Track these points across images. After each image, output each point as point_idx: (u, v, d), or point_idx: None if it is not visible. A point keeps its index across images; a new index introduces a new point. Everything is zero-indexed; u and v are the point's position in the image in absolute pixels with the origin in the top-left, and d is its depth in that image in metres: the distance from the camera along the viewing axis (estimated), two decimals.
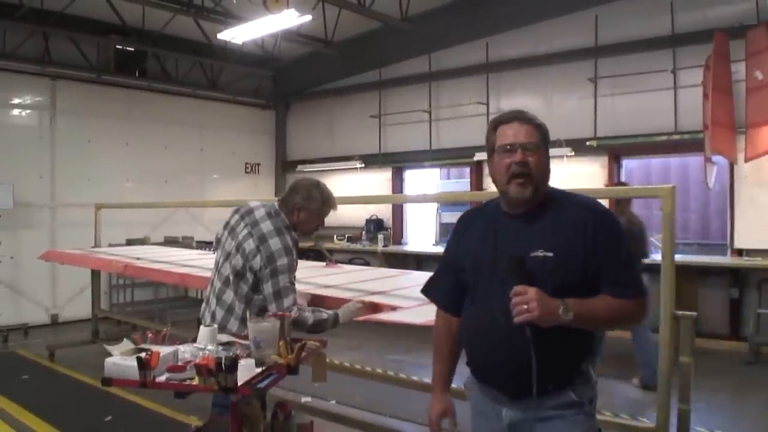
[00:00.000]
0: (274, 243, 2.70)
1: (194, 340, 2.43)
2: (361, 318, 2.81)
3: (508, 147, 1.75)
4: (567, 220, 1.74)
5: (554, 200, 1.80)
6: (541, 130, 1.79)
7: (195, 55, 8.85)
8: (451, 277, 1.93)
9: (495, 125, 1.82)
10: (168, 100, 9.14)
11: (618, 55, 7.03)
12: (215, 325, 2.53)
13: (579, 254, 1.70)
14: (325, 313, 2.76)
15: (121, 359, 2.17)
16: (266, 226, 2.76)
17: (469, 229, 1.92)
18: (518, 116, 1.79)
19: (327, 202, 2.89)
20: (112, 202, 7.37)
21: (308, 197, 2.83)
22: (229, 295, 2.77)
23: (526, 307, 1.60)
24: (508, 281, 1.66)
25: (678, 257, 4.06)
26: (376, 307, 2.90)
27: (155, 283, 7.22)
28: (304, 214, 2.84)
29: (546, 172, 1.79)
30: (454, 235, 2.00)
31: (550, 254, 1.68)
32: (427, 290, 2.07)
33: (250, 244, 2.73)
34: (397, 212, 9.44)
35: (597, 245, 1.70)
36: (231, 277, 2.77)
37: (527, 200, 1.74)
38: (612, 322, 1.78)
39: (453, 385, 1.99)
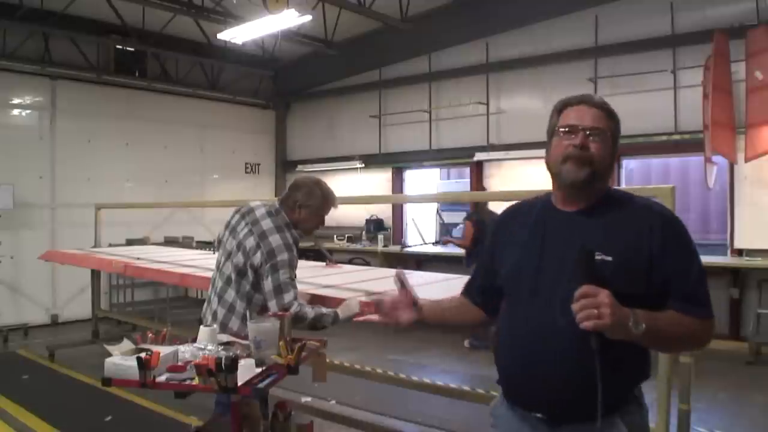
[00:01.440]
0: (274, 239, 2.70)
1: (194, 340, 2.43)
2: (360, 318, 2.81)
3: (570, 129, 1.56)
4: (630, 223, 1.52)
5: (614, 200, 1.60)
6: (611, 117, 1.60)
7: (195, 55, 8.85)
8: (486, 279, 1.78)
9: (561, 107, 1.64)
10: (168, 100, 9.13)
11: (618, 55, 7.03)
12: (216, 325, 2.53)
13: (643, 262, 1.48)
14: (325, 309, 2.76)
15: (121, 359, 2.17)
16: (266, 223, 2.77)
17: (512, 226, 1.71)
18: (586, 99, 1.61)
19: (328, 199, 2.89)
20: (112, 202, 7.38)
21: (309, 195, 2.83)
22: (230, 294, 2.77)
23: (596, 312, 1.34)
24: (560, 283, 1.46)
25: None
26: (373, 306, 2.88)
27: (155, 283, 7.22)
28: (305, 212, 2.84)
29: (609, 165, 1.58)
30: (493, 234, 1.80)
31: (609, 258, 1.46)
32: (464, 291, 1.91)
33: (250, 242, 2.74)
34: (397, 212, 9.44)
35: (665, 254, 1.48)
36: (233, 276, 2.78)
37: (582, 184, 1.54)
38: (679, 342, 1.55)
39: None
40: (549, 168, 1.63)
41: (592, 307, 1.35)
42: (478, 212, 6.64)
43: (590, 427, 1.44)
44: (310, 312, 2.67)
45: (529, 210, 1.70)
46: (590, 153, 1.53)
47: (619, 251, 1.48)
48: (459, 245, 6.82)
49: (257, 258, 2.69)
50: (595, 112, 1.58)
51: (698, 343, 1.58)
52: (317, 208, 2.86)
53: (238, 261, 2.76)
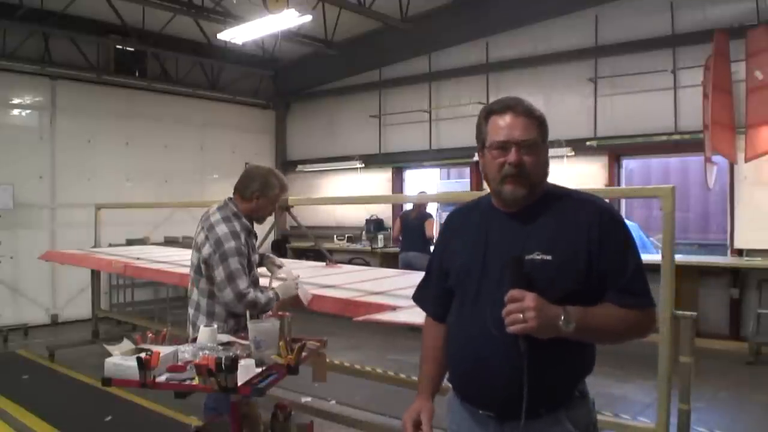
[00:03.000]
0: (221, 229, 2.75)
1: (194, 340, 2.43)
2: (361, 318, 2.81)
3: (502, 145, 1.54)
4: (568, 220, 1.54)
5: (553, 197, 1.60)
6: (538, 122, 1.57)
7: (195, 55, 8.85)
8: (439, 283, 1.73)
9: (486, 115, 1.61)
10: (168, 99, 9.13)
11: (618, 55, 7.03)
12: (190, 328, 2.54)
13: (582, 258, 1.50)
14: (271, 291, 2.81)
15: (121, 359, 2.17)
16: (214, 216, 2.83)
17: (459, 229, 1.73)
18: (512, 106, 1.57)
19: (284, 189, 2.96)
20: (112, 202, 7.38)
21: (266, 185, 2.88)
22: (195, 294, 2.84)
23: (521, 316, 1.39)
24: (501, 286, 1.47)
25: (678, 257, 4.07)
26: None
27: (155, 283, 7.21)
28: (263, 201, 2.88)
29: (545, 171, 1.60)
30: (441, 235, 1.80)
31: (548, 257, 1.49)
32: (416, 297, 1.87)
33: (201, 237, 2.81)
34: (397, 212, 9.43)
35: (603, 248, 1.50)
36: (192, 275, 2.85)
37: (522, 200, 1.56)
38: (618, 334, 1.55)
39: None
40: (487, 182, 1.63)
41: (518, 311, 1.40)
42: (409, 211, 7.77)
43: (535, 423, 1.48)
44: (261, 297, 2.71)
45: (473, 212, 1.71)
46: (526, 169, 1.53)
47: (559, 250, 1.50)
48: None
49: (206, 250, 2.74)
50: (523, 121, 1.56)
51: (641, 332, 1.60)
52: (273, 198, 2.91)
53: (194, 259, 2.83)
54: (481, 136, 1.62)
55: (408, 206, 8.14)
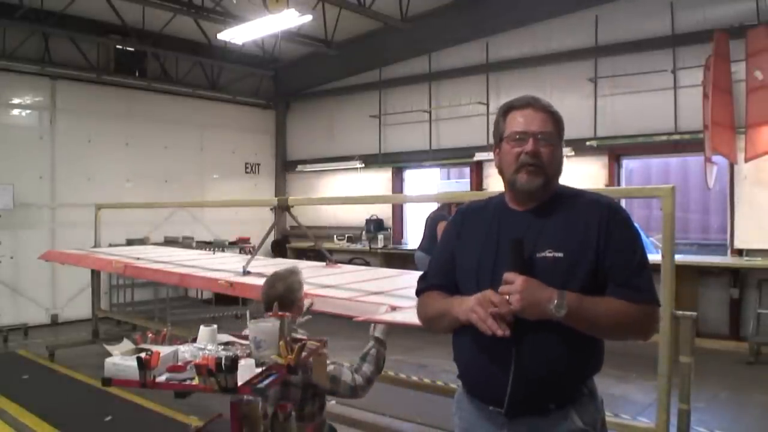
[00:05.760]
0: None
1: (194, 340, 2.43)
2: (361, 318, 2.81)
3: (520, 136, 1.59)
4: (579, 218, 1.57)
5: (564, 197, 1.64)
6: (556, 119, 1.62)
7: (195, 55, 8.86)
8: (441, 278, 1.74)
9: (506, 110, 1.65)
10: (168, 100, 9.14)
11: (618, 55, 7.03)
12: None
13: (590, 256, 1.53)
14: (372, 348, 2.77)
15: (121, 359, 2.16)
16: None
17: (468, 225, 1.73)
18: (532, 102, 1.62)
19: (301, 280, 2.82)
20: (112, 202, 7.38)
21: (294, 290, 2.76)
22: None
23: (507, 297, 1.43)
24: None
25: (678, 257, 4.07)
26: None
27: (155, 283, 7.22)
28: (298, 304, 2.80)
29: (559, 167, 1.62)
30: (451, 231, 1.78)
31: (560, 254, 1.52)
32: (418, 290, 1.83)
33: None
34: (397, 212, 9.44)
35: (609, 245, 1.54)
36: None
37: (536, 192, 1.59)
38: (616, 328, 1.54)
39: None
40: (501, 174, 1.67)
41: (508, 293, 1.45)
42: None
43: (544, 420, 1.52)
44: (366, 369, 2.71)
45: (485, 210, 1.73)
46: (542, 160, 1.57)
47: (570, 248, 1.54)
48: None
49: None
50: (542, 116, 1.61)
51: (640, 328, 1.58)
52: (303, 292, 2.83)
53: None
54: (498, 131, 1.67)
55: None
